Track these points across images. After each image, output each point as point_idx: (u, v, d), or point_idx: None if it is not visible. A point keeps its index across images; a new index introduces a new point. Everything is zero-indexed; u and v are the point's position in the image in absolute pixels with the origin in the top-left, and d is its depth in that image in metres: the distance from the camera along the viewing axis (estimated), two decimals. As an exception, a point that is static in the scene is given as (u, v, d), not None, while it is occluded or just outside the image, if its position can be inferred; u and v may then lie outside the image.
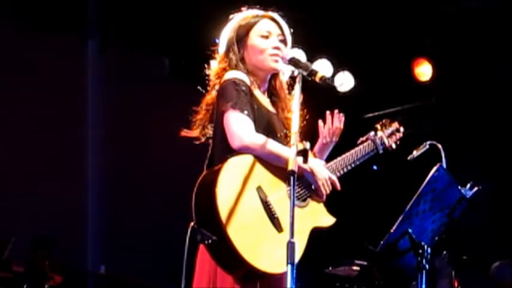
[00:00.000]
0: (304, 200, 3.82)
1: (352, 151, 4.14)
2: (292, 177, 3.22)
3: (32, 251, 6.86)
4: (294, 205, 3.19)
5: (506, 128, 8.30)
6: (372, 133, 4.29)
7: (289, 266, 3.17)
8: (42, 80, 7.76)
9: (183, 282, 3.72)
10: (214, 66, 3.98)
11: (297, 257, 3.60)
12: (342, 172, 3.99)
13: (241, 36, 3.96)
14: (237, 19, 4.02)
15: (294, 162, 3.24)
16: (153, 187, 8.32)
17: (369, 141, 4.24)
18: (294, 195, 3.21)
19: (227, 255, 3.50)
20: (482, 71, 8.31)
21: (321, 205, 3.86)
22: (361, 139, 4.27)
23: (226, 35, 4.00)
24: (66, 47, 7.89)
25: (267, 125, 3.80)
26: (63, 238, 7.22)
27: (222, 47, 4.01)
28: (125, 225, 8.08)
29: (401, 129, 4.44)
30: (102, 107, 8.17)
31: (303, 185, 3.81)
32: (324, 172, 3.79)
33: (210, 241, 3.51)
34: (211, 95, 3.90)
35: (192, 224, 3.65)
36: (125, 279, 7.92)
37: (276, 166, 3.65)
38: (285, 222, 3.56)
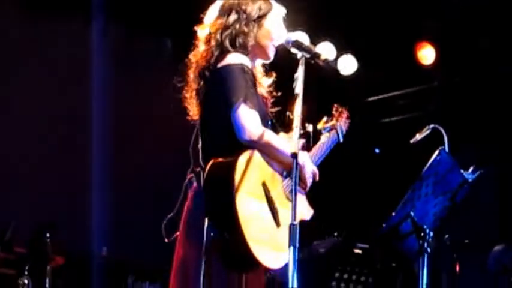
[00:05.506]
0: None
1: (320, 142, 4.17)
2: (294, 160, 3.23)
3: (34, 232, 6.87)
4: (296, 189, 3.19)
5: (509, 111, 8.28)
6: (337, 122, 4.30)
7: (292, 248, 3.17)
8: (44, 62, 7.74)
9: None
10: (205, 32, 3.89)
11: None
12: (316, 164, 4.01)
13: (260, 14, 3.87)
14: None
15: (296, 145, 3.24)
16: (157, 169, 8.31)
17: (334, 131, 4.25)
18: (296, 177, 3.20)
19: (238, 255, 3.50)
20: (486, 55, 8.29)
21: (304, 197, 3.87)
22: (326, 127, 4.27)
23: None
24: (69, 29, 7.87)
25: (262, 112, 3.76)
26: (66, 220, 7.22)
27: (221, 9, 3.89)
28: (127, 207, 8.07)
29: (348, 115, 4.42)
30: (105, 88, 8.14)
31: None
32: (310, 165, 3.83)
33: (223, 238, 3.51)
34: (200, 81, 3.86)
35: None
36: (126, 262, 7.93)
37: (274, 161, 3.68)
38: (282, 218, 3.62)
